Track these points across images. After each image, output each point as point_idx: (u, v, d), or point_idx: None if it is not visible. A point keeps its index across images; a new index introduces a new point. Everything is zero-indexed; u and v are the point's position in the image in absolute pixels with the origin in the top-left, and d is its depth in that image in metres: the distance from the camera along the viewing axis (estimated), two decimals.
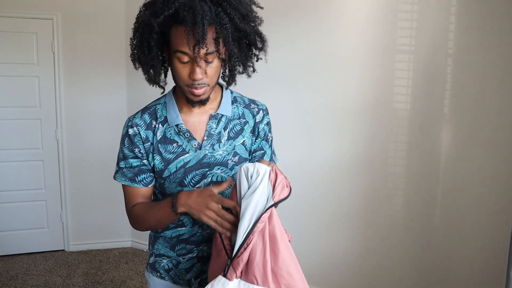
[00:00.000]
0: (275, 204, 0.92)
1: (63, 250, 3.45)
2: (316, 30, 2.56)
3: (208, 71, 1.02)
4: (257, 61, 1.15)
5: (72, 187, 3.39)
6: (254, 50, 1.13)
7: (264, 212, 0.91)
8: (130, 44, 1.08)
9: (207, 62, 1.01)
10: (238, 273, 0.94)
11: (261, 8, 1.11)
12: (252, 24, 1.07)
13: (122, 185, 1.18)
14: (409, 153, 2.41)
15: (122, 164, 1.16)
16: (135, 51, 1.07)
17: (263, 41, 1.12)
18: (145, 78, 1.11)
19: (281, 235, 0.96)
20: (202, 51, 0.97)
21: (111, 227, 3.50)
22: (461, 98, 2.22)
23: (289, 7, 2.60)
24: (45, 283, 2.89)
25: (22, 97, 3.20)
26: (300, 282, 0.98)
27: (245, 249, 0.93)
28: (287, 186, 0.95)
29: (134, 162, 1.14)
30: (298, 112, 2.67)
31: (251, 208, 0.92)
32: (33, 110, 3.24)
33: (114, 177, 1.18)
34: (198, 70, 1.00)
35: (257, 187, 0.92)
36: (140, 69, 1.10)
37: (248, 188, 0.94)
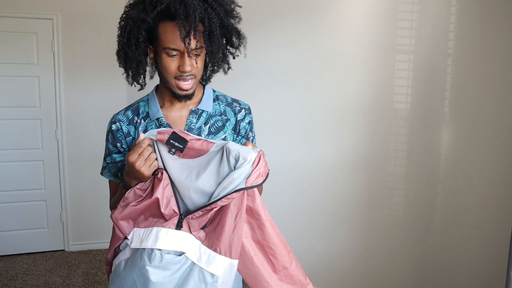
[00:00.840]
0: (245, 189, 0.98)
1: (63, 250, 3.45)
2: (316, 30, 2.56)
3: (197, 65, 1.07)
4: (233, 58, 1.19)
5: (72, 187, 3.39)
6: (230, 48, 1.17)
7: (233, 192, 0.97)
8: (117, 41, 1.11)
9: (196, 56, 1.06)
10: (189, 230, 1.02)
11: (240, 7, 1.16)
12: (233, 21, 1.12)
13: (109, 181, 1.23)
14: (409, 153, 2.41)
15: (108, 160, 1.20)
16: (122, 47, 1.10)
17: (240, 38, 1.15)
18: (126, 77, 1.16)
19: (264, 212, 1.04)
20: (193, 44, 1.01)
21: (111, 227, 3.48)
22: (461, 98, 2.22)
23: (289, 7, 2.60)
24: (45, 283, 2.89)
25: (22, 97, 3.20)
26: (284, 251, 1.11)
27: (201, 214, 1.00)
28: (262, 175, 1.00)
29: (118, 157, 1.18)
30: (298, 112, 2.67)
31: (225, 183, 0.98)
32: (33, 110, 3.24)
33: (101, 173, 1.23)
34: (187, 62, 1.04)
35: (240, 169, 0.98)
36: (121, 66, 1.15)
37: (234, 168, 0.99)
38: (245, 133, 1.23)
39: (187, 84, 1.07)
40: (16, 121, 3.21)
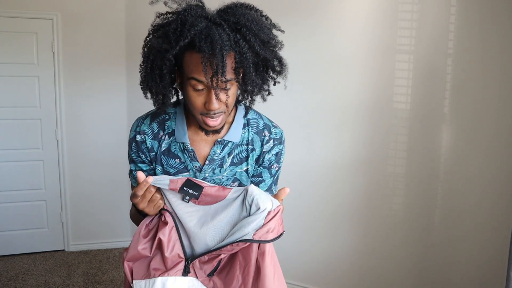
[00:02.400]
0: (251, 241, 0.92)
1: (63, 250, 3.44)
2: (316, 30, 2.55)
3: (227, 100, 0.95)
4: (274, 85, 1.07)
5: (72, 187, 3.39)
6: (272, 73, 1.05)
7: (239, 241, 0.92)
8: (139, 71, 1.01)
9: (224, 91, 0.94)
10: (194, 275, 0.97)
11: (282, 32, 1.04)
12: (273, 50, 1.00)
13: (132, 185, 1.20)
14: (409, 153, 2.41)
15: (132, 167, 1.16)
16: (146, 78, 0.99)
17: (282, 65, 1.04)
18: (153, 104, 1.04)
19: (273, 275, 0.96)
20: (215, 80, 0.90)
21: (111, 227, 3.50)
22: (461, 98, 2.22)
23: (289, 7, 2.60)
24: (45, 283, 2.89)
25: (22, 97, 3.20)
26: None
27: (207, 260, 0.96)
28: (272, 232, 0.93)
29: (144, 166, 1.12)
30: (298, 112, 2.67)
31: (235, 229, 0.94)
32: (33, 110, 3.24)
33: (129, 176, 1.20)
34: (214, 100, 0.93)
35: (252, 217, 0.93)
36: (148, 98, 1.05)
37: (248, 214, 0.95)
38: (269, 164, 1.13)
39: (214, 121, 0.97)
40: (16, 121, 3.21)
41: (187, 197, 0.97)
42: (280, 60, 1.03)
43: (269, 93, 1.06)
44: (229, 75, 0.92)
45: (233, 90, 0.96)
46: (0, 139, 3.20)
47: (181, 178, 0.97)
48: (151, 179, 0.95)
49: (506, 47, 2.07)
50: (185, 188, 0.95)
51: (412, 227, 2.42)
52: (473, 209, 2.23)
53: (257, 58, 0.97)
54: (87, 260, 3.28)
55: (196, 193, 0.96)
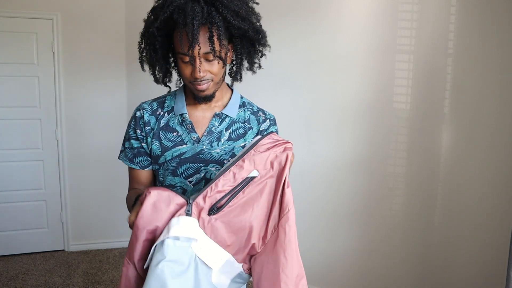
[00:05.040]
0: (249, 148, 0.94)
1: (63, 250, 3.45)
2: (316, 30, 2.56)
3: (210, 68, 1.05)
4: (261, 57, 1.18)
5: (72, 187, 3.39)
6: (257, 46, 1.15)
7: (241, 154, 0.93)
8: (138, 48, 1.12)
9: (208, 60, 1.04)
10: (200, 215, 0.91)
11: (257, 3, 1.13)
12: (249, 21, 1.07)
13: (128, 167, 1.23)
14: (409, 153, 2.41)
15: (126, 144, 1.21)
16: (143, 54, 1.12)
17: (260, 34, 1.12)
18: (153, 79, 1.17)
19: (294, 243, 0.95)
20: (196, 51, 1.00)
21: (111, 227, 3.50)
22: (461, 98, 2.22)
23: (289, 7, 2.60)
24: (45, 283, 2.89)
25: (22, 97, 3.20)
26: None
27: (212, 189, 0.90)
28: (271, 147, 0.94)
29: (135, 143, 1.18)
30: (298, 112, 2.67)
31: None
32: (33, 110, 3.24)
33: (119, 157, 1.24)
34: (198, 69, 1.03)
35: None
36: (145, 71, 1.16)
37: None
38: None
39: (202, 85, 1.07)
40: (16, 121, 3.21)
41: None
42: (258, 31, 1.11)
43: (260, 66, 1.19)
44: (204, 46, 1.01)
45: (215, 62, 1.05)
46: (0, 139, 3.20)
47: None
48: (154, 191, 0.92)
49: (506, 47, 2.07)
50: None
51: (412, 226, 2.42)
52: (473, 208, 2.23)
53: (237, 30, 1.06)
54: (87, 260, 3.28)
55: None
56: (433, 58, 2.27)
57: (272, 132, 1.00)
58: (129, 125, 1.20)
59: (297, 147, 2.73)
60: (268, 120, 1.21)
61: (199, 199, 0.91)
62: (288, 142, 0.98)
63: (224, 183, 0.91)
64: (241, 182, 0.92)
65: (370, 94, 2.45)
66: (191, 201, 0.91)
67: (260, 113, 1.22)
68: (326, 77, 2.57)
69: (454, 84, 2.24)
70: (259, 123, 1.20)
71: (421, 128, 2.34)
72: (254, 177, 0.93)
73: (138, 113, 1.18)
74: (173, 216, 0.89)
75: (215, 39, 1.01)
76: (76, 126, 3.34)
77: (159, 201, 0.89)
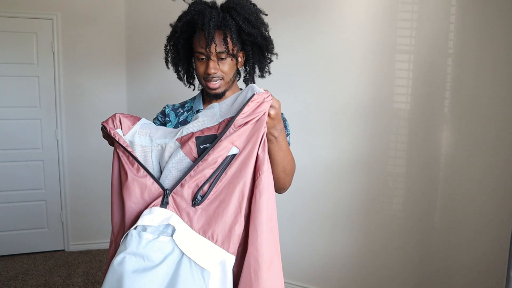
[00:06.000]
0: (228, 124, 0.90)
1: (63, 250, 3.45)
2: (316, 30, 2.55)
3: (222, 67, 1.20)
4: (269, 63, 1.34)
5: (72, 187, 3.39)
6: (265, 53, 1.30)
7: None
8: (164, 49, 1.31)
9: (221, 59, 1.19)
10: (175, 210, 0.86)
11: (266, 15, 1.29)
12: (257, 28, 1.23)
13: None
14: (409, 153, 2.41)
15: None
16: (168, 54, 1.31)
17: (270, 43, 1.28)
18: (176, 77, 1.36)
19: (269, 217, 0.87)
20: (212, 49, 1.16)
21: (110, 227, 3.50)
22: (461, 98, 2.22)
23: (289, 8, 2.60)
24: (45, 283, 2.89)
25: (22, 97, 3.20)
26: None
27: (186, 183, 0.85)
28: (250, 117, 0.88)
29: (157, 123, 1.36)
30: (298, 112, 2.67)
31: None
32: (33, 110, 3.24)
33: None
34: (211, 65, 1.18)
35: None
36: (169, 68, 1.34)
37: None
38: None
39: (214, 84, 1.21)
40: (16, 121, 3.21)
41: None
42: (265, 38, 1.26)
43: (269, 73, 1.38)
44: (220, 45, 1.17)
45: (228, 60, 1.21)
46: (0, 139, 3.20)
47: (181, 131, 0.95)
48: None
49: (506, 47, 2.07)
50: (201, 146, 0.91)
51: (412, 227, 2.42)
52: (473, 208, 2.23)
53: (247, 36, 1.21)
54: (87, 260, 3.28)
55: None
56: (433, 58, 2.26)
57: (251, 85, 0.96)
58: (154, 118, 1.39)
59: (297, 147, 2.74)
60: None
61: (177, 189, 0.86)
62: (265, 92, 0.92)
63: (203, 167, 0.86)
64: (222, 163, 0.87)
65: (370, 94, 2.45)
66: (168, 192, 0.87)
67: None
68: (326, 77, 2.57)
69: (454, 84, 2.23)
70: None
71: (421, 128, 2.34)
72: (234, 155, 0.88)
73: (163, 109, 1.39)
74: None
75: (228, 39, 1.17)
76: (76, 126, 3.34)
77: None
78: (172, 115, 1.36)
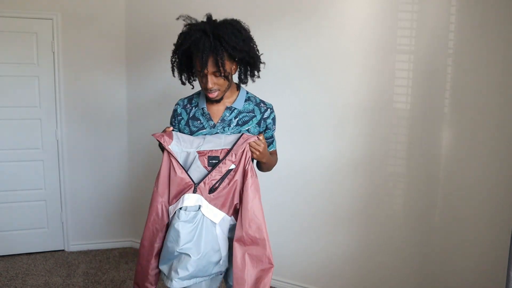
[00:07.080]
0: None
1: (63, 250, 3.45)
2: (316, 30, 2.56)
3: (217, 81, 1.53)
4: (258, 72, 1.66)
5: (72, 187, 3.39)
6: (253, 68, 1.63)
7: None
8: (170, 60, 1.62)
9: (216, 76, 1.51)
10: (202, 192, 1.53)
11: (248, 31, 1.58)
12: (244, 52, 1.52)
13: None
14: (409, 153, 2.41)
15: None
16: (174, 64, 1.62)
17: (256, 60, 1.60)
18: (180, 83, 1.68)
19: (254, 192, 1.53)
20: (206, 71, 1.49)
21: (111, 227, 3.50)
22: (461, 98, 2.22)
23: (289, 8, 2.60)
24: (45, 283, 2.89)
25: (22, 97, 3.20)
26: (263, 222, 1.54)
27: (207, 182, 1.52)
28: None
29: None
30: (298, 112, 2.67)
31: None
32: (33, 110, 3.24)
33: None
34: (209, 81, 1.51)
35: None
36: (175, 76, 1.66)
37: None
38: (272, 125, 1.70)
39: (211, 94, 1.55)
40: (16, 121, 3.21)
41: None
42: (252, 57, 1.57)
43: (258, 76, 1.67)
44: (212, 67, 1.48)
45: (221, 77, 1.52)
46: (0, 139, 3.20)
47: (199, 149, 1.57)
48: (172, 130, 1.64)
49: (506, 47, 2.07)
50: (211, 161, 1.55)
51: (413, 226, 2.42)
52: (473, 208, 2.23)
53: (235, 55, 1.50)
54: (87, 260, 3.28)
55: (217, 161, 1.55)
56: (433, 58, 2.27)
57: (242, 134, 1.57)
58: (171, 116, 1.73)
59: (297, 147, 2.75)
60: (268, 110, 1.68)
61: (201, 184, 1.52)
62: (253, 136, 1.55)
63: (215, 174, 1.52)
64: (226, 173, 1.53)
65: (370, 94, 2.45)
66: (196, 185, 1.52)
67: (262, 104, 1.68)
68: (326, 77, 2.57)
69: (454, 84, 2.24)
70: (261, 112, 1.66)
71: (421, 128, 2.35)
72: (232, 169, 1.53)
73: (176, 107, 1.71)
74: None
75: (219, 64, 1.46)
76: (76, 126, 3.34)
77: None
78: (183, 113, 1.68)
